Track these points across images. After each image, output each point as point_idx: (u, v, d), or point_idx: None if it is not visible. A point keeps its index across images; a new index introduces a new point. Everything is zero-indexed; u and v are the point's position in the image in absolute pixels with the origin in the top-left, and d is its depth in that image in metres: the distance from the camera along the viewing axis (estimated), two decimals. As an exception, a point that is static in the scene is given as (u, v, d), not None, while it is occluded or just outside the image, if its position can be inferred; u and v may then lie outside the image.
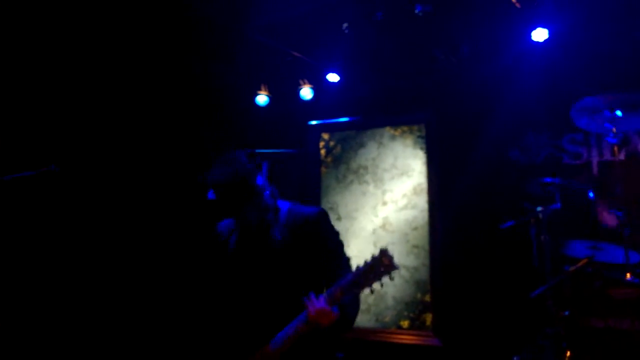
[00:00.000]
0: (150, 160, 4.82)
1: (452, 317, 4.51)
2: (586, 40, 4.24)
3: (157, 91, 4.87)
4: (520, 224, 3.64)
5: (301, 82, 5.21)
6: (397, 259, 4.99)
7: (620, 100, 3.19)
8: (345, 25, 4.52)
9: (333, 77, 5.01)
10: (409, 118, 5.06)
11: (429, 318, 4.67)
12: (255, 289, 2.20)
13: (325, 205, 5.28)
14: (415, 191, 4.92)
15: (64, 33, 4.04)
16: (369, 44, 4.82)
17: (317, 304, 1.94)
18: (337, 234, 2.33)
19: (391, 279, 1.91)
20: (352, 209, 5.18)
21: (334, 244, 2.27)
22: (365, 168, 5.18)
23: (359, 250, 5.07)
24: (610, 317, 2.82)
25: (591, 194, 3.34)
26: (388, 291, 4.87)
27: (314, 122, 5.44)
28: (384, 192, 5.05)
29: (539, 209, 3.46)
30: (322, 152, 5.41)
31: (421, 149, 4.97)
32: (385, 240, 4.96)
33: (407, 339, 4.70)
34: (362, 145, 5.24)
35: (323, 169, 5.38)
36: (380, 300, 4.89)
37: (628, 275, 2.90)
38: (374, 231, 5.04)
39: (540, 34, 4.11)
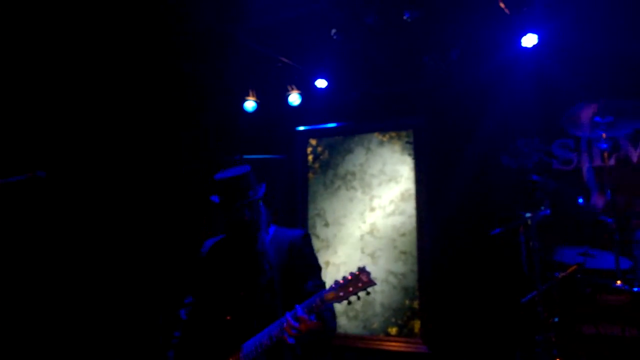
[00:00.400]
0: (137, 163, 4.72)
1: (440, 324, 4.47)
2: (576, 46, 4.26)
3: (144, 94, 4.77)
4: (509, 230, 3.62)
5: (289, 87, 5.16)
6: (385, 265, 4.99)
7: (610, 106, 3.20)
8: (333, 31, 4.49)
9: (321, 83, 4.97)
10: (397, 124, 5.04)
11: (417, 325, 4.62)
12: (238, 298, 2.25)
13: (312, 211, 5.22)
14: (403, 197, 4.89)
15: (55, 34, 3.95)
16: (358, 49, 4.80)
17: (297, 312, 2.01)
18: (315, 257, 2.50)
19: (367, 293, 2.08)
20: (339, 215, 5.12)
21: (313, 263, 2.42)
22: (353, 174, 5.14)
23: (346, 256, 5.02)
24: (601, 324, 2.80)
25: (581, 200, 3.32)
26: (376, 298, 4.81)
27: (301, 128, 5.39)
28: (371, 198, 5.01)
29: (528, 214, 3.44)
30: (310, 157, 5.36)
31: (409, 154, 4.94)
32: (373, 246, 4.92)
33: (395, 345, 4.64)
34: (349, 151, 5.20)
35: (310, 175, 5.32)
36: (369, 306, 4.83)
37: (618, 281, 2.88)
38: (362, 237, 4.99)
39: (529, 40, 4.12)
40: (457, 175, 4.71)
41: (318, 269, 2.42)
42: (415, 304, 4.66)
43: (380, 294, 4.81)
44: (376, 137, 5.12)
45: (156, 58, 4.59)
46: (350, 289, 2.02)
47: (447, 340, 4.39)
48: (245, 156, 4.61)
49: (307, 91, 5.12)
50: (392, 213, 4.92)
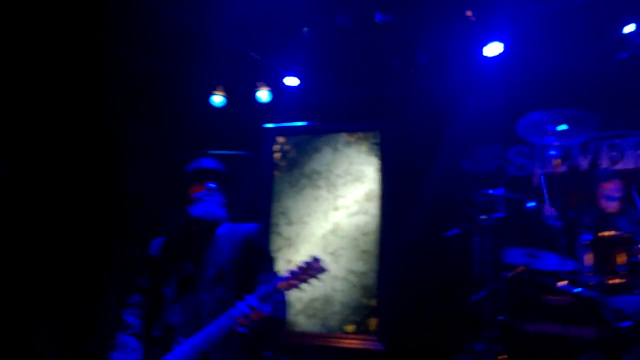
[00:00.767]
0: (95, 156, 4.62)
1: (396, 322, 4.57)
2: (535, 58, 4.43)
3: (105, 85, 4.69)
4: (464, 231, 3.74)
5: (258, 84, 5.18)
6: (347, 264, 5.05)
7: (563, 115, 3.35)
8: (305, 29, 4.54)
9: (291, 81, 5.01)
10: (365, 125, 5.13)
11: (373, 322, 4.70)
12: (188, 293, 2.23)
13: (276, 209, 5.24)
14: (368, 197, 4.97)
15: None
16: (329, 50, 4.85)
17: (248, 301, 2.02)
18: (269, 250, 2.50)
19: (319, 280, 2.09)
20: (303, 214, 5.17)
21: (267, 256, 2.41)
22: (319, 173, 5.20)
23: (308, 255, 5.04)
24: (543, 322, 2.92)
25: (530, 204, 3.46)
26: (335, 296, 4.87)
27: (269, 125, 5.42)
28: (336, 198, 5.08)
29: (483, 217, 3.56)
30: (277, 155, 5.39)
31: (376, 156, 5.03)
32: (336, 245, 4.98)
33: (351, 343, 4.71)
34: (317, 150, 5.26)
35: (276, 173, 5.36)
36: (327, 305, 4.89)
37: (561, 282, 3.01)
38: (324, 236, 5.05)
39: (493, 49, 4.25)
40: (420, 178, 4.83)
41: (272, 261, 2.42)
42: (373, 302, 4.74)
43: (340, 293, 4.87)
44: (344, 137, 5.19)
45: (115, 48, 4.50)
46: (303, 276, 2.05)
47: (401, 337, 4.49)
48: (211, 151, 4.62)
49: (277, 89, 5.14)
50: (356, 213, 5.00)
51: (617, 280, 2.99)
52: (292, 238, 5.17)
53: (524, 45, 4.30)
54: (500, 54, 4.25)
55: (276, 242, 5.16)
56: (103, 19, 4.13)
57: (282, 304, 2.26)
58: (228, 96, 5.23)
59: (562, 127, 3.34)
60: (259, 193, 5.26)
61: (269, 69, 5.04)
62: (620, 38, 3.97)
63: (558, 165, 3.48)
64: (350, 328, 4.79)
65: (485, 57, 4.34)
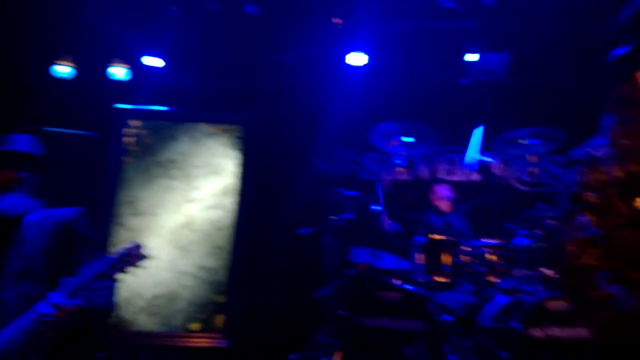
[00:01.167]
0: None
1: (244, 318, 4.55)
2: (392, 72, 4.78)
3: None
4: (317, 230, 3.88)
5: (114, 60, 4.76)
6: (197, 259, 4.86)
7: (410, 128, 3.66)
8: (172, 8, 4.30)
9: (151, 61, 4.71)
10: (228, 117, 5.02)
11: (220, 320, 4.63)
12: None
13: (123, 198, 4.86)
14: (225, 191, 4.88)
15: None
16: (197, 34, 4.66)
17: (51, 298, 1.80)
18: (92, 238, 2.21)
19: (140, 267, 1.92)
20: (154, 205, 4.87)
21: (87, 245, 2.15)
22: (175, 162, 4.95)
23: (156, 250, 4.78)
24: (378, 317, 3.14)
25: (375, 207, 3.72)
26: (181, 293, 4.68)
27: (122, 106, 5.02)
28: (191, 190, 4.88)
29: (333, 217, 3.73)
30: (129, 140, 5.01)
31: (237, 150, 4.96)
32: (187, 240, 4.79)
33: (196, 341, 4.56)
34: (174, 138, 5.01)
35: (127, 159, 4.97)
36: (171, 302, 4.66)
37: (396, 280, 3.29)
38: (176, 229, 4.82)
39: (356, 58, 4.48)
40: (280, 175, 4.89)
41: (93, 249, 2.21)
42: (221, 299, 4.66)
43: (187, 289, 4.69)
44: (205, 127, 5.02)
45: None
46: (123, 264, 1.88)
47: (248, 334, 4.48)
48: (49, 128, 4.12)
49: (136, 68, 4.80)
50: (212, 207, 4.87)
51: (442, 279, 3.36)
52: (138, 230, 4.82)
53: (382, 60, 4.61)
54: (365, 62, 4.50)
55: (118, 234, 4.76)
56: None
57: (103, 293, 2.06)
58: (78, 69, 4.72)
59: (408, 139, 3.64)
60: (103, 179, 4.83)
61: (128, 45, 4.67)
62: (463, 65, 4.47)
63: (403, 173, 3.79)
64: (195, 326, 4.64)
65: (349, 64, 4.56)
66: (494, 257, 3.30)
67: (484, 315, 3.26)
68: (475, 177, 4.82)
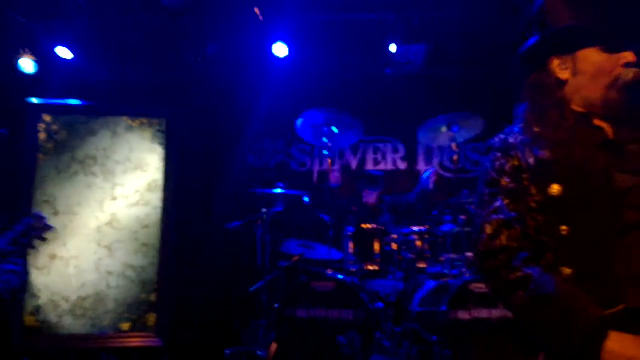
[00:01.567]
0: None
1: (176, 316, 4.43)
2: (317, 62, 4.78)
3: None
4: (247, 223, 3.83)
5: (22, 51, 4.40)
6: (124, 258, 4.68)
7: (336, 118, 3.67)
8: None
9: (65, 53, 4.40)
10: (150, 110, 4.81)
11: (152, 318, 4.47)
12: None
13: (40, 197, 4.55)
14: (150, 187, 4.69)
15: None
16: (113, 24, 4.41)
17: None
18: None
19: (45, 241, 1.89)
20: (74, 203, 4.60)
21: None
22: (95, 159, 4.69)
23: (78, 250, 4.53)
24: (312, 308, 3.16)
25: (306, 199, 3.72)
26: (110, 293, 4.47)
27: (34, 100, 4.67)
28: (114, 187, 4.65)
29: (264, 210, 3.70)
30: (42, 136, 4.67)
31: (160, 144, 4.77)
32: (112, 238, 4.57)
33: (127, 342, 4.39)
34: (92, 133, 4.73)
35: (41, 156, 4.63)
36: (100, 303, 4.46)
37: (329, 270, 3.31)
38: (99, 229, 4.58)
39: (280, 49, 4.43)
40: (207, 169, 4.77)
41: None
42: (153, 297, 4.50)
43: (115, 289, 4.49)
44: (125, 121, 4.78)
45: None
46: (26, 240, 1.79)
47: (181, 331, 4.38)
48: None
49: (48, 59, 4.46)
50: (137, 203, 4.66)
51: (373, 267, 3.43)
52: (59, 230, 4.53)
53: (307, 50, 4.59)
54: (288, 54, 4.46)
55: (38, 236, 4.46)
56: None
57: (9, 276, 1.95)
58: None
59: (334, 129, 3.66)
60: (16, 178, 4.48)
61: (37, 35, 4.34)
62: (387, 55, 4.55)
63: (331, 164, 3.82)
64: (125, 326, 4.46)
65: (275, 56, 4.50)
66: (421, 244, 3.41)
67: (414, 301, 3.37)
68: (402, 166, 4.97)
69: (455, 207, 3.54)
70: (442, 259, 3.39)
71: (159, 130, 4.79)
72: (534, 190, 1.31)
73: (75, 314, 4.44)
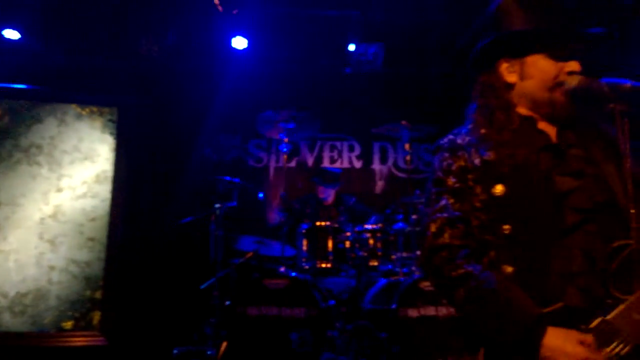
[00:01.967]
0: None
1: (122, 314, 4.28)
2: (276, 58, 4.73)
3: None
4: (200, 219, 3.75)
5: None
6: (68, 252, 4.48)
7: (292, 115, 3.64)
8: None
9: (11, 33, 4.17)
10: (100, 98, 4.62)
11: (96, 316, 4.30)
12: None
13: (-22, 186, 4.30)
14: (99, 179, 4.51)
15: None
16: (66, 5, 4.21)
17: None
18: None
19: None
20: (16, 194, 4.36)
21: None
22: (40, 147, 4.46)
23: (19, 242, 4.30)
24: (264, 305, 3.12)
25: (260, 195, 3.68)
26: (52, 289, 4.27)
27: (-26, 83, 4.40)
28: (60, 177, 4.45)
29: (217, 205, 3.63)
30: (-17, 121, 4.41)
31: (111, 134, 4.60)
32: (55, 232, 4.37)
33: (70, 341, 4.20)
34: (38, 120, 4.50)
35: (-19, 143, 4.38)
36: (40, 300, 4.25)
37: (282, 267, 3.28)
38: (42, 221, 4.37)
39: (239, 42, 4.36)
40: (160, 162, 4.64)
41: None
42: (98, 294, 4.33)
43: (57, 285, 4.29)
44: (74, 109, 4.58)
45: None
46: None
47: (128, 329, 4.23)
48: None
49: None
50: (83, 195, 4.47)
51: (326, 265, 3.43)
52: (-2, 222, 4.30)
53: (266, 45, 4.54)
54: (247, 49, 4.40)
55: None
56: None
57: None
58: None
59: (290, 125, 3.63)
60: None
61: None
62: (347, 54, 4.56)
63: (287, 160, 3.79)
64: (68, 324, 4.27)
65: (234, 49, 4.43)
66: (373, 242, 3.43)
67: (365, 298, 3.39)
68: (357, 164, 5.00)
69: (408, 206, 3.58)
70: (394, 257, 3.42)
71: (110, 120, 4.62)
72: (478, 190, 1.33)
73: (14, 310, 4.21)
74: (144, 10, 4.29)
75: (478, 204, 1.32)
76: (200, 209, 3.78)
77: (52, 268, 4.31)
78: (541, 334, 1.15)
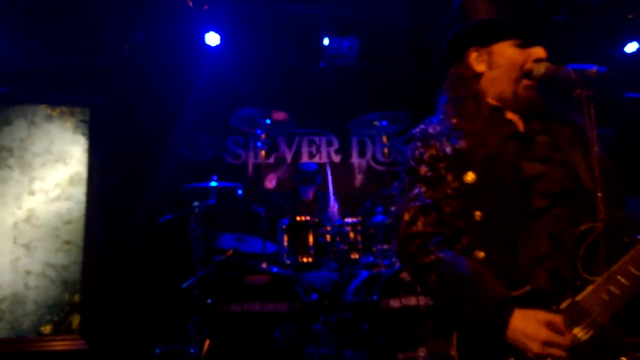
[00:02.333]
0: None
1: (103, 316, 4.22)
2: (251, 54, 4.69)
3: None
4: (179, 217, 3.70)
5: None
6: (44, 257, 4.39)
7: (266, 112, 3.62)
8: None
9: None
10: (71, 99, 4.53)
11: (76, 320, 4.24)
12: None
13: (-53, 192, 4.18)
14: (72, 181, 4.42)
15: None
16: (28, 4, 4.10)
17: None
18: None
19: None
20: (-13, 198, 4.27)
21: None
22: (10, 150, 4.36)
23: (-7, 248, 4.20)
24: (246, 302, 3.11)
25: (240, 192, 3.66)
26: (29, 294, 4.19)
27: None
28: (32, 180, 4.35)
29: (196, 203, 3.59)
30: (-51, 124, 4.29)
31: (83, 134, 4.51)
32: (30, 236, 4.28)
33: (49, 345, 4.13)
34: (7, 122, 4.39)
35: (-52, 146, 4.25)
36: (17, 305, 4.16)
37: (264, 264, 3.27)
38: (15, 225, 4.27)
39: (212, 39, 4.30)
40: (135, 162, 4.57)
41: None
42: (76, 298, 4.26)
43: (35, 290, 4.21)
44: (44, 110, 4.48)
45: None
46: None
47: (108, 332, 4.18)
48: None
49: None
50: (57, 198, 4.39)
51: (307, 259, 3.43)
52: (-31, 228, 4.20)
53: (240, 41, 4.50)
54: (220, 45, 4.34)
55: None
56: None
57: None
58: None
59: (267, 121, 3.62)
60: None
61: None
62: (321, 49, 4.55)
63: (266, 157, 3.77)
64: (47, 329, 4.20)
65: (208, 45, 4.37)
66: (354, 235, 3.45)
67: (348, 291, 3.41)
68: (336, 158, 5.01)
69: (387, 198, 3.61)
70: (375, 249, 3.45)
71: (81, 120, 4.53)
72: (450, 178, 1.35)
73: (-10, 317, 4.13)
74: (112, 8, 4.21)
75: (450, 192, 1.34)
76: (179, 207, 3.74)
77: (28, 273, 4.22)
78: (507, 316, 1.17)
